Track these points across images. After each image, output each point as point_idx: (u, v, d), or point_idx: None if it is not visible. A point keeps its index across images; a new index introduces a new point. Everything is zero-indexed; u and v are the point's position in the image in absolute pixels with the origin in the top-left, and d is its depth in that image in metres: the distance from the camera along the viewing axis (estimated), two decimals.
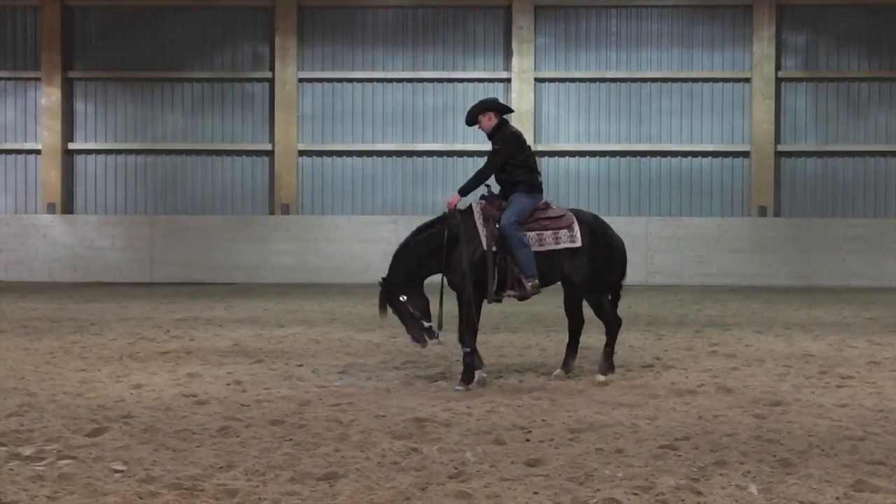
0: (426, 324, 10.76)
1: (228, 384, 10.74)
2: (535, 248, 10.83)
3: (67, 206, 29.83)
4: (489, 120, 11.26)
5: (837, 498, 6.39)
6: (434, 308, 10.81)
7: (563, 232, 10.95)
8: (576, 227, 10.97)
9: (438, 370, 11.79)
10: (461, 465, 7.21)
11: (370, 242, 28.61)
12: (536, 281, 10.70)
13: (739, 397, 9.97)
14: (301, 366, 12.14)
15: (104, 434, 8.20)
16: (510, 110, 11.77)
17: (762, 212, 28.55)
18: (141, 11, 29.85)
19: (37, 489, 6.54)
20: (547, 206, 11.15)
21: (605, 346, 11.24)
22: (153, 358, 12.81)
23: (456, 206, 11.01)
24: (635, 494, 6.45)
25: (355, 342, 14.53)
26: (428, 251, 10.82)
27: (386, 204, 29.50)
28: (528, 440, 8.03)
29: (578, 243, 10.93)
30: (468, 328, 10.73)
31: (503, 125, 11.33)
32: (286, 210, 29.29)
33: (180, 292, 24.77)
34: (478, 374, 10.65)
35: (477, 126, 11.39)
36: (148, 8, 29.83)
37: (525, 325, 16.00)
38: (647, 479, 6.80)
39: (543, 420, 8.79)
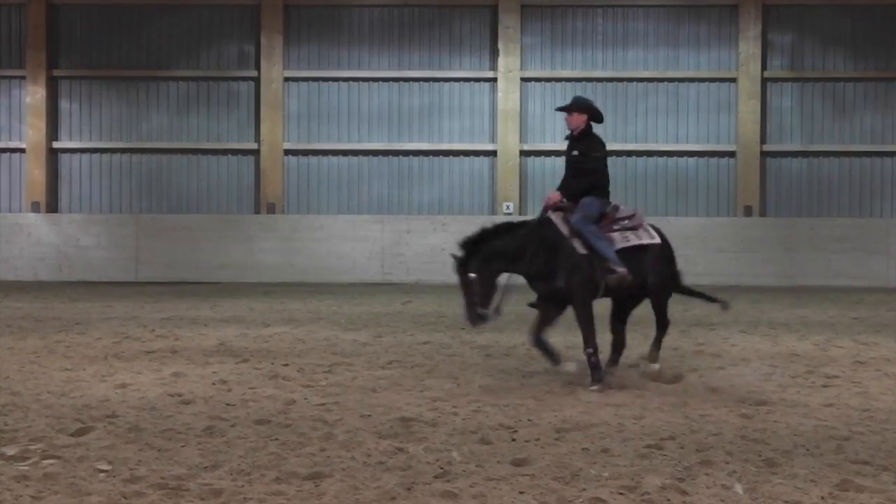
0: (481, 310, 10.63)
1: (214, 384, 10.72)
2: (623, 245, 10.84)
3: (52, 205, 29.74)
4: (581, 121, 11.13)
5: (822, 497, 6.41)
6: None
7: (642, 231, 11.08)
8: (647, 225, 11.17)
9: (424, 370, 11.78)
10: (447, 464, 7.20)
11: (356, 242, 28.61)
12: (625, 269, 10.66)
13: (725, 397, 9.98)
14: (286, 365, 12.12)
15: (89, 434, 8.17)
16: (601, 120, 11.44)
17: (748, 211, 28.61)
18: (126, 10, 29.77)
19: (21, 489, 6.51)
20: (617, 208, 11.14)
21: (656, 339, 11.46)
22: (138, 357, 12.78)
23: (556, 203, 10.98)
24: (621, 494, 6.45)
25: (341, 341, 14.52)
26: (516, 251, 10.76)
27: (372, 203, 29.47)
28: (514, 440, 8.03)
29: (657, 240, 11.12)
30: (587, 330, 10.66)
31: (593, 131, 11.22)
32: (272, 209, 29.24)
33: (165, 291, 24.72)
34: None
35: (565, 116, 11.22)
36: (133, 6, 29.76)
37: (510, 325, 15.99)
38: (632, 478, 6.80)
39: (529, 420, 8.79)
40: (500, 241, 10.76)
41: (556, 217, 10.90)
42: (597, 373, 10.51)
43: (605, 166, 11.13)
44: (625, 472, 6.99)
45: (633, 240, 10.94)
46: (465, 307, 10.69)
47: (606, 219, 10.96)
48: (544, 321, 10.97)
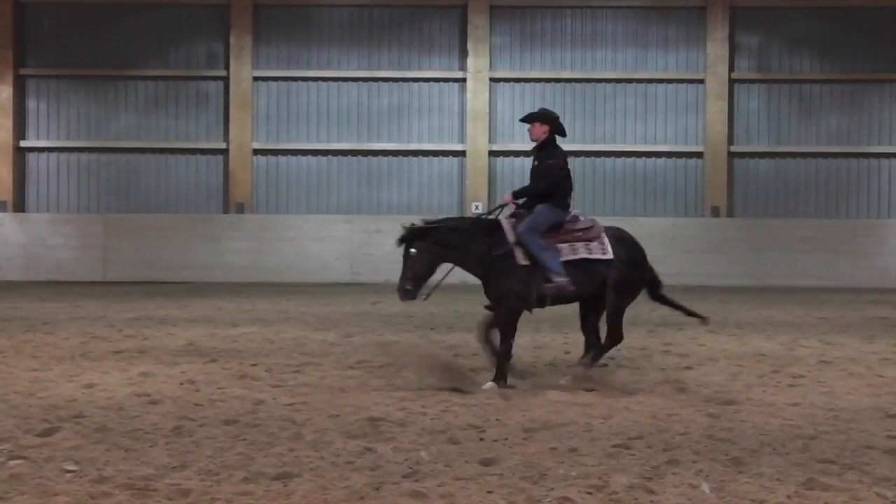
0: (410, 286, 10.84)
1: (182, 383, 10.68)
2: (570, 257, 10.81)
3: (19, 205, 29.57)
4: (543, 132, 11.23)
5: (788, 496, 6.44)
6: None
7: (595, 244, 10.96)
8: (605, 239, 11.03)
9: (393, 370, 11.77)
10: (415, 464, 7.20)
11: (325, 242, 28.60)
12: (565, 279, 10.67)
13: (692, 396, 10.03)
14: (255, 365, 12.10)
15: (56, 434, 8.13)
16: (564, 134, 11.54)
17: (715, 212, 28.76)
18: (94, 8, 29.63)
19: None
20: (576, 218, 11.11)
21: (597, 353, 11.26)
22: (106, 357, 12.72)
23: (507, 202, 11.21)
24: (589, 493, 6.47)
25: (310, 341, 14.50)
26: (458, 243, 10.89)
27: (341, 203, 29.46)
28: (482, 439, 8.04)
29: (609, 256, 10.96)
30: (507, 333, 10.76)
31: (555, 142, 11.29)
32: (241, 209, 29.18)
33: (134, 291, 24.62)
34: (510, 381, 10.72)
35: (528, 127, 11.33)
36: (102, 5, 29.62)
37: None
38: (600, 477, 6.83)
39: (498, 419, 8.80)
40: (448, 230, 10.92)
41: (505, 223, 10.95)
42: (500, 372, 10.57)
43: (565, 177, 11.12)
44: (593, 471, 7.01)
45: (583, 252, 10.88)
46: (400, 278, 10.92)
47: (561, 229, 10.94)
48: (493, 322, 11.05)
